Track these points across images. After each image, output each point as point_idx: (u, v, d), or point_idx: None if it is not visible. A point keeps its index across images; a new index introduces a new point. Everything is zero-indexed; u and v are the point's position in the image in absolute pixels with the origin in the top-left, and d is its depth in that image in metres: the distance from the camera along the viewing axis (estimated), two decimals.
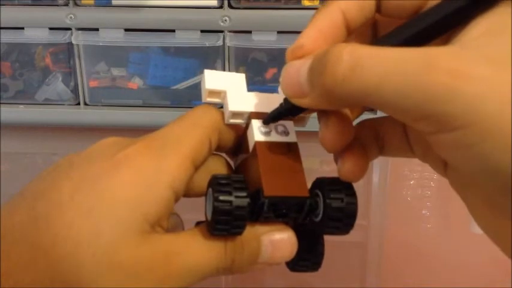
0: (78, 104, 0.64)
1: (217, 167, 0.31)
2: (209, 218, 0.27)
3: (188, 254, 0.26)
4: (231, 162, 0.33)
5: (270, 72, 0.63)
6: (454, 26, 0.23)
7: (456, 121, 0.20)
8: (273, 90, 0.32)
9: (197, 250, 0.26)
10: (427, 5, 0.24)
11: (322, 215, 0.27)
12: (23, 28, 0.61)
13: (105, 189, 0.25)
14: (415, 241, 0.50)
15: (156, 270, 0.25)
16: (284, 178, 0.27)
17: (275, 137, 0.29)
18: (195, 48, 0.61)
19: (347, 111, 0.28)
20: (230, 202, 0.26)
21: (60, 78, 0.64)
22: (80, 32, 0.61)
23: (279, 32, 0.60)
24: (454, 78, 0.20)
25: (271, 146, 0.28)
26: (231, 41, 0.60)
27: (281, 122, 0.29)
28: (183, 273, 0.26)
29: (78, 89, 0.63)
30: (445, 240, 0.51)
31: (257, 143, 0.28)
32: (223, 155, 0.32)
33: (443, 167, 0.27)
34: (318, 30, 0.26)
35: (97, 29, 0.61)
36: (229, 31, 0.60)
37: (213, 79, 0.30)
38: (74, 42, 0.61)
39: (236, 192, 0.26)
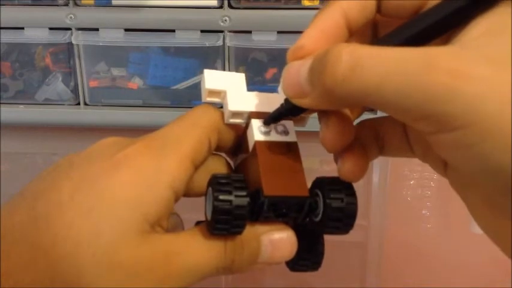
0: (78, 104, 0.64)
1: (217, 166, 0.31)
2: (209, 217, 0.27)
3: (188, 254, 0.26)
4: (231, 162, 0.33)
5: (270, 72, 0.63)
6: (454, 26, 0.23)
7: (456, 121, 0.20)
8: (273, 90, 0.32)
9: (197, 250, 0.26)
10: (427, 5, 0.24)
11: (322, 214, 0.27)
12: (23, 28, 0.61)
13: (105, 189, 0.25)
14: (415, 241, 0.50)
15: (156, 270, 0.25)
16: (284, 178, 0.27)
17: (275, 137, 0.29)
18: (195, 48, 0.61)
19: (347, 111, 0.28)
20: (230, 201, 0.26)
21: (60, 78, 0.64)
22: (80, 32, 0.61)
23: (279, 32, 0.60)
24: (454, 78, 0.20)
25: (271, 146, 0.28)
26: (231, 41, 0.60)
27: (281, 121, 0.29)
28: (183, 273, 0.26)
29: (78, 89, 0.63)
30: (445, 240, 0.51)
31: (257, 143, 0.28)
32: (223, 154, 0.32)
33: (443, 167, 0.27)
34: (319, 30, 0.26)
35: (97, 29, 0.61)
36: (229, 31, 0.60)
37: (213, 79, 0.30)
38: (74, 42, 0.61)
39: (236, 191, 0.26)
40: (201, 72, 0.30)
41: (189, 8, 0.60)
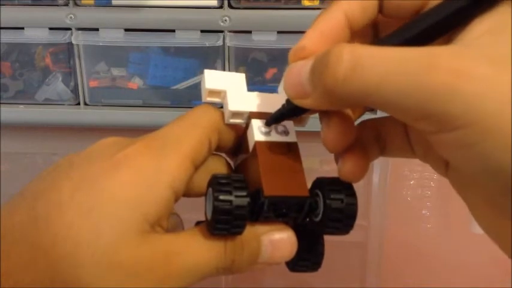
0: (78, 104, 0.64)
1: (217, 167, 0.31)
2: (209, 217, 0.27)
3: (188, 254, 0.26)
4: (231, 162, 0.33)
5: (270, 72, 0.63)
6: (455, 26, 0.23)
7: (457, 121, 0.20)
8: (273, 90, 0.32)
9: (197, 250, 0.26)
10: (428, 5, 0.24)
11: (322, 215, 0.27)
12: (23, 28, 0.61)
13: (105, 189, 0.25)
14: (415, 241, 0.50)
15: (156, 270, 0.25)
16: (284, 178, 0.27)
17: (275, 137, 0.29)
18: (195, 48, 0.61)
19: (349, 111, 0.28)
20: (230, 201, 0.26)
21: (60, 78, 0.64)
22: (80, 32, 0.61)
23: (279, 32, 0.60)
24: (455, 77, 0.20)
25: (271, 146, 0.28)
26: (231, 41, 0.60)
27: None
28: (183, 273, 0.26)
29: (78, 89, 0.63)
30: (445, 240, 0.51)
31: (257, 143, 0.28)
32: (223, 155, 0.32)
33: (444, 167, 0.27)
34: (320, 31, 0.26)
35: (97, 29, 0.61)
36: (229, 31, 0.60)
37: (213, 79, 0.30)
38: (74, 42, 0.61)
39: (236, 191, 0.26)
40: (201, 72, 0.30)
41: (189, 8, 0.60)
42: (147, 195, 0.26)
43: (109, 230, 0.25)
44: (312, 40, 0.26)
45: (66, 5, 0.60)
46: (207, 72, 0.30)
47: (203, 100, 0.31)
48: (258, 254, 0.28)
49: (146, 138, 0.28)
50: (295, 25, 0.59)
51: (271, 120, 0.29)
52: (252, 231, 0.28)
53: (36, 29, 0.61)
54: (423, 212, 0.55)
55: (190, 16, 0.60)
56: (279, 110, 0.28)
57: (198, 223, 0.29)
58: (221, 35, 0.60)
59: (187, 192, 0.29)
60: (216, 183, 0.26)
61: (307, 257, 0.30)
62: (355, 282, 0.47)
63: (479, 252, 0.48)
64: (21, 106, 0.64)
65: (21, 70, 0.64)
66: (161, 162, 0.27)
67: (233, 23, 0.59)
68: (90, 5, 0.60)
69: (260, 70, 0.63)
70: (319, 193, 0.28)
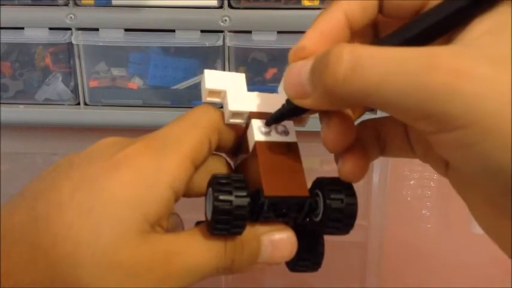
0: (78, 104, 0.64)
1: (217, 167, 0.31)
2: (209, 217, 0.26)
3: (188, 254, 0.26)
4: (231, 163, 0.33)
5: (270, 72, 0.63)
6: (455, 26, 0.23)
7: (457, 120, 0.20)
8: (273, 90, 0.32)
9: (197, 250, 0.26)
10: (428, 5, 0.24)
11: (322, 215, 0.27)
12: (23, 28, 0.61)
13: (105, 189, 0.25)
14: (415, 241, 0.50)
15: (156, 270, 0.25)
16: (284, 178, 0.27)
17: (275, 137, 0.29)
18: (195, 48, 0.61)
19: (349, 111, 0.28)
20: (230, 202, 0.26)
21: (60, 78, 0.64)
22: (80, 32, 0.61)
23: (279, 32, 0.60)
24: (455, 77, 0.20)
25: (271, 146, 0.28)
26: (231, 41, 0.60)
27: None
28: (183, 273, 0.26)
29: (78, 89, 0.63)
30: (445, 240, 0.51)
31: (257, 143, 0.28)
32: (223, 155, 0.32)
33: (444, 167, 0.27)
34: (320, 31, 0.26)
35: (97, 29, 0.61)
36: (229, 31, 0.60)
37: (213, 79, 0.30)
38: (74, 42, 0.61)
39: (236, 191, 0.26)
40: (201, 72, 0.30)
41: (189, 8, 0.60)
42: (147, 195, 0.26)
43: (109, 230, 0.25)
44: (312, 40, 0.26)
45: (66, 5, 0.60)
46: (207, 72, 0.30)
47: (203, 100, 0.31)
48: (258, 254, 0.28)
49: (146, 138, 0.28)
50: (295, 25, 0.59)
51: (271, 120, 0.29)
52: (252, 231, 0.28)
53: (36, 29, 0.61)
54: (423, 212, 0.55)
55: (190, 16, 0.60)
56: (279, 110, 0.28)
57: (198, 223, 0.29)
58: (221, 35, 0.60)
59: (187, 192, 0.29)
60: (216, 183, 0.26)
61: (307, 257, 0.30)
62: (355, 282, 0.47)
63: (479, 252, 0.48)
64: (21, 106, 0.64)
65: (21, 70, 0.64)
66: (161, 162, 0.27)
67: (233, 23, 0.59)
68: (90, 5, 0.60)
69: (260, 70, 0.63)
70: (319, 193, 0.28)
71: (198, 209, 0.29)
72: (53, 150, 0.65)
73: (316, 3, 0.59)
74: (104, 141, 0.28)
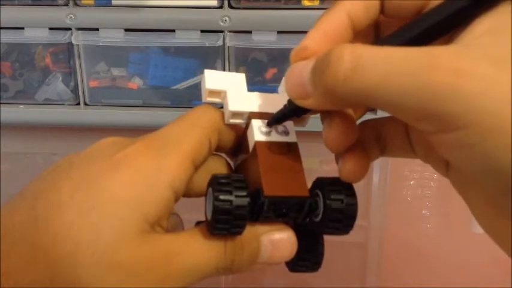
0: (78, 104, 0.64)
1: (217, 167, 0.31)
2: (209, 217, 0.26)
3: (188, 254, 0.26)
4: (231, 163, 0.33)
5: (270, 72, 0.63)
6: (455, 26, 0.23)
7: (458, 120, 0.20)
8: (273, 90, 0.32)
9: (197, 250, 0.26)
10: (429, 5, 0.24)
11: (322, 215, 0.27)
12: (23, 28, 0.61)
13: (104, 189, 0.25)
14: (415, 241, 0.50)
15: (156, 270, 0.25)
16: (284, 178, 0.27)
17: (275, 137, 0.29)
18: (195, 48, 0.61)
19: (350, 111, 0.28)
20: (230, 201, 0.26)
21: (60, 78, 0.64)
22: (80, 32, 0.61)
23: (279, 32, 0.60)
24: (456, 77, 0.20)
25: (271, 146, 0.28)
26: (231, 41, 0.60)
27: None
28: (182, 273, 0.26)
29: (78, 89, 0.63)
30: (445, 240, 0.51)
31: (257, 143, 0.28)
32: (223, 155, 0.32)
33: (445, 167, 0.27)
34: (323, 32, 0.26)
35: (97, 29, 0.61)
36: (229, 31, 0.60)
37: (213, 79, 0.30)
38: (74, 42, 0.61)
39: (236, 191, 0.26)
40: (201, 72, 0.30)
41: (189, 8, 0.60)
42: (147, 195, 0.26)
43: (109, 230, 0.25)
44: (315, 40, 0.26)
45: (66, 5, 0.60)
46: (207, 72, 0.30)
47: (203, 100, 0.31)
48: (257, 254, 0.28)
49: (146, 138, 0.28)
50: (295, 25, 0.59)
51: (273, 120, 0.29)
52: (251, 231, 0.28)
53: (36, 29, 0.61)
54: (423, 212, 0.55)
55: (190, 16, 0.60)
56: (281, 111, 0.28)
57: (198, 223, 0.29)
58: (221, 35, 0.60)
59: (187, 193, 0.29)
60: (216, 183, 0.26)
61: (307, 257, 0.30)
62: (355, 282, 0.47)
63: (479, 252, 0.48)
64: (21, 106, 0.64)
65: (21, 70, 0.64)
66: (161, 162, 0.27)
67: (233, 23, 0.59)
68: (90, 5, 0.60)
69: (260, 70, 0.63)
70: (319, 193, 0.28)
71: (198, 209, 0.29)
72: (53, 150, 0.65)
73: (316, 3, 0.59)
74: (104, 141, 0.28)
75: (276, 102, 0.29)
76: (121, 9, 0.60)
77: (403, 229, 0.53)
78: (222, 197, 0.26)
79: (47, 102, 0.64)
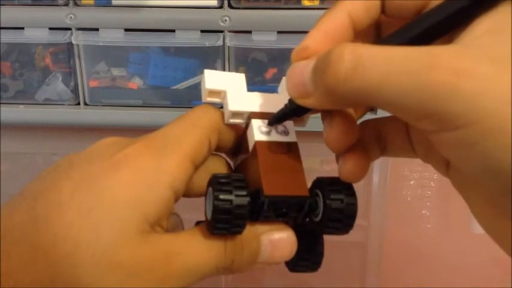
0: (78, 104, 0.64)
1: (217, 167, 0.31)
2: (209, 217, 0.27)
3: (188, 254, 0.26)
4: (231, 163, 0.33)
5: (270, 72, 0.63)
6: (456, 26, 0.23)
7: (458, 120, 0.20)
8: (273, 90, 0.32)
9: (197, 250, 0.26)
10: (429, 5, 0.24)
11: (322, 215, 0.27)
12: (23, 28, 0.61)
13: (104, 189, 0.25)
14: (415, 241, 0.50)
15: (156, 270, 0.25)
16: (284, 177, 0.27)
17: (275, 137, 0.29)
18: (195, 48, 0.61)
19: (351, 111, 0.28)
20: (230, 201, 0.26)
21: (60, 78, 0.64)
22: (80, 32, 0.61)
23: (279, 32, 0.60)
24: (456, 76, 0.20)
25: (271, 146, 0.28)
26: (231, 41, 0.60)
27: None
28: (182, 273, 0.26)
29: (78, 89, 0.63)
30: (445, 240, 0.51)
31: (257, 143, 0.28)
32: (223, 155, 0.32)
33: (445, 167, 0.27)
34: (324, 31, 0.26)
35: (97, 29, 0.61)
36: (229, 31, 0.60)
37: (213, 79, 0.30)
38: (74, 42, 0.61)
39: (236, 190, 0.26)
40: (201, 72, 0.30)
41: (189, 8, 0.60)
42: (147, 195, 0.26)
43: (109, 230, 0.25)
44: (316, 40, 0.26)
45: (66, 5, 0.60)
46: (207, 72, 0.30)
47: (203, 100, 0.31)
48: (257, 254, 0.28)
49: (146, 138, 0.28)
50: (295, 25, 0.59)
51: (274, 120, 0.29)
52: (251, 230, 0.28)
53: (36, 29, 0.61)
54: (423, 212, 0.55)
55: (190, 16, 0.60)
56: (282, 110, 0.28)
57: (198, 223, 0.29)
58: (221, 35, 0.60)
59: (187, 192, 0.29)
60: (216, 182, 0.26)
61: (307, 257, 0.30)
62: (355, 282, 0.47)
63: (479, 252, 0.48)
64: (21, 106, 0.64)
65: (21, 70, 0.64)
66: (161, 162, 0.27)
67: (233, 23, 0.59)
68: (90, 5, 0.60)
69: (260, 70, 0.63)
70: (319, 193, 0.28)
71: (198, 209, 0.29)
72: (53, 150, 0.65)
73: (316, 3, 0.59)
74: (104, 141, 0.28)
75: (275, 102, 0.29)
76: (121, 9, 0.60)
77: (403, 229, 0.53)
78: (222, 196, 0.26)
79: (47, 102, 0.64)
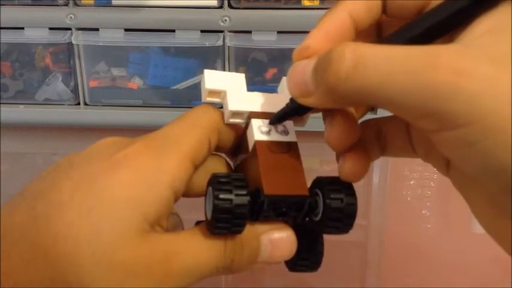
0: (78, 104, 0.64)
1: (217, 167, 0.31)
2: (209, 216, 0.27)
3: (188, 254, 0.26)
4: (231, 163, 0.33)
5: (270, 72, 0.63)
6: (456, 25, 0.23)
7: (459, 119, 0.20)
8: (273, 90, 0.32)
9: (197, 249, 0.26)
10: (430, 5, 0.24)
11: (322, 214, 0.27)
12: (23, 28, 0.61)
13: (104, 188, 0.25)
14: (415, 241, 0.50)
15: (156, 270, 0.25)
16: (284, 177, 0.27)
17: (275, 137, 0.29)
18: (195, 48, 0.61)
19: (352, 110, 0.28)
20: (230, 200, 0.26)
21: (60, 78, 0.64)
22: (80, 32, 0.61)
23: (279, 32, 0.60)
24: (457, 76, 0.20)
25: (271, 145, 0.28)
26: (231, 41, 0.60)
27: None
28: (182, 273, 0.26)
29: (78, 89, 0.63)
30: (445, 240, 0.51)
31: (257, 142, 0.28)
32: (223, 155, 0.32)
33: (445, 166, 0.27)
34: (325, 31, 0.26)
35: (97, 29, 0.61)
36: (229, 31, 0.60)
37: (213, 79, 0.30)
38: (74, 42, 0.61)
39: (236, 190, 0.26)
40: (201, 72, 0.30)
41: (189, 8, 0.60)
42: (147, 195, 0.26)
43: (109, 230, 0.25)
44: (317, 40, 0.26)
45: (66, 5, 0.60)
46: (207, 72, 0.30)
47: (203, 100, 0.31)
48: (257, 253, 0.28)
49: (146, 138, 0.28)
50: (295, 25, 0.59)
51: (275, 119, 0.29)
52: (251, 230, 0.28)
53: (36, 29, 0.61)
54: (423, 212, 0.55)
55: (190, 16, 0.60)
56: (283, 109, 0.28)
57: (198, 223, 0.29)
58: (221, 35, 0.60)
59: (187, 192, 0.29)
60: (216, 182, 0.26)
61: (307, 257, 0.30)
62: (355, 282, 0.47)
63: (480, 252, 0.48)
64: (21, 106, 0.64)
65: (21, 70, 0.64)
66: (161, 162, 0.27)
67: (233, 23, 0.59)
68: (90, 5, 0.60)
69: (260, 70, 0.63)
70: (319, 192, 0.28)
71: (198, 209, 0.29)
72: (53, 150, 0.65)
73: (316, 3, 0.59)
74: (104, 141, 0.28)
75: (275, 101, 0.29)
76: (121, 9, 0.60)
77: (403, 229, 0.53)
78: (222, 195, 0.26)
79: (47, 102, 0.64)
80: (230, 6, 0.59)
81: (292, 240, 0.28)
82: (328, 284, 0.44)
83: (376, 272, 0.48)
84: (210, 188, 0.27)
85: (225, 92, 0.30)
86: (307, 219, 0.29)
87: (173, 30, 0.60)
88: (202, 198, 0.28)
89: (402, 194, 0.58)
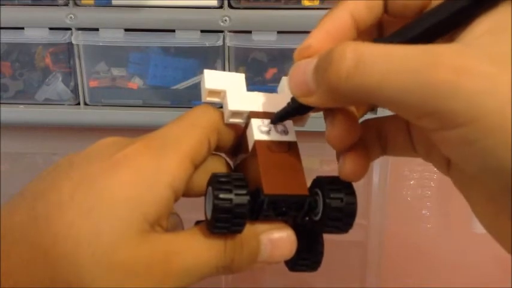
0: (78, 104, 0.64)
1: (217, 166, 0.31)
2: (209, 216, 0.27)
3: (188, 253, 0.26)
4: (231, 163, 0.33)
5: (270, 72, 0.63)
6: (456, 25, 0.23)
7: (459, 118, 0.20)
8: (273, 90, 0.32)
9: (197, 249, 0.26)
10: (430, 5, 0.24)
11: (322, 214, 0.27)
12: (23, 28, 0.61)
13: (104, 188, 0.25)
14: (415, 241, 0.50)
15: (156, 270, 0.25)
16: (284, 177, 0.27)
17: (275, 136, 0.29)
18: (195, 48, 0.61)
19: (353, 109, 0.28)
20: (230, 200, 0.26)
21: (60, 78, 0.64)
22: (80, 32, 0.61)
23: (279, 32, 0.60)
24: (457, 75, 0.20)
25: (270, 145, 0.28)
26: (231, 41, 0.60)
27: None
28: (182, 273, 0.26)
29: (78, 89, 0.63)
30: (445, 239, 0.51)
31: (257, 142, 0.28)
32: (223, 155, 0.32)
33: (446, 165, 0.27)
34: (326, 31, 0.26)
35: (97, 29, 0.61)
36: (229, 31, 0.60)
37: (213, 79, 0.30)
38: (74, 42, 0.61)
39: (236, 190, 0.26)
40: (201, 72, 0.30)
41: (189, 8, 0.59)
42: (147, 195, 0.26)
43: (109, 230, 0.25)
44: (318, 39, 0.26)
45: (66, 5, 0.60)
46: (207, 72, 0.30)
47: (203, 100, 0.31)
48: (257, 253, 0.28)
49: (146, 138, 0.28)
50: (295, 25, 0.59)
51: (276, 118, 0.29)
52: (251, 230, 0.28)
53: (36, 29, 0.61)
54: (423, 212, 0.55)
55: (190, 16, 0.60)
56: (284, 109, 0.28)
57: (197, 222, 0.29)
58: (221, 35, 0.60)
59: (187, 192, 0.29)
60: (216, 181, 0.26)
61: (307, 256, 0.30)
62: (355, 282, 0.47)
63: (480, 251, 0.48)
64: (21, 106, 0.64)
65: (21, 70, 0.64)
66: (161, 162, 0.27)
67: (233, 23, 0.59)
68: (90, 5, 0.60)
69: (260, 70, 0.63)
70: (319, 192, 0.28)
71: (198, 209, 0.29)
72: (53, 150, 0.65)
73: (316, 3, 0.59)
74: (104, 141, 0.28)
75: (275, 101, 0.29)
76: (121, 9, 0.60)
77: (403, 229, 0.53)
78: (222, 195, 0.26)
79: (47, 102, 0.64)
80: (230, 6, 0.59)
81: (292, 239, 0.28)
82: (328, 284, 0.44)
83: (376, 272, 0.48)
84: (210, 188, 0.27)
85: (224, 92, 0.30)
86: (307, 218, 0.29)
87: (173, 30, 0.60)
88: (202, 198, 0.28)
89: (402, 194, 0.58)
